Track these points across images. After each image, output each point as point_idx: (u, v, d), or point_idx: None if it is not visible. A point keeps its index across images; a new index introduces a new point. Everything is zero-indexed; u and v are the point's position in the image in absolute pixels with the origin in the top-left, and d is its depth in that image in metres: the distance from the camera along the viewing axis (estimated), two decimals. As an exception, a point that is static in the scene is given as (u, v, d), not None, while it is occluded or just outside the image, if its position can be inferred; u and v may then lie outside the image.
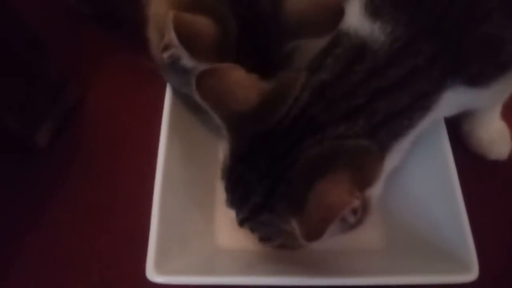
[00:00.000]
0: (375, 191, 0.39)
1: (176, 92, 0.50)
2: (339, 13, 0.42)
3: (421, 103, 0.39)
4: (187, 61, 0.43)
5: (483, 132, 0.56)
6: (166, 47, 0.42)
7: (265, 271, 0.44)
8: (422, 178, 0.48)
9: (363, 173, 0.37)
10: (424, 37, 0.38)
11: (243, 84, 0.40)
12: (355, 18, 0.41)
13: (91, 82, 0.63)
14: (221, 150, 0.56)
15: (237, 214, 0.41)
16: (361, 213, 0.37)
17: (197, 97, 0.40)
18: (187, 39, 0.40)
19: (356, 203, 0.35)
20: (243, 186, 0.40)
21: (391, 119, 0.39)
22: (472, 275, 0.40)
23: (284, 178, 0.38)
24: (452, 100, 0.40)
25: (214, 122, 0.52)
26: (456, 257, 0.41)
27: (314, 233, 0.34)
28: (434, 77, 0.39)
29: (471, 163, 0.54)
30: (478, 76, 0.39)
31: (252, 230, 0.43)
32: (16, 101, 0.53)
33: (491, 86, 0.40)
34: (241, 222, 0.41)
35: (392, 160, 0.40)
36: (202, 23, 0.42)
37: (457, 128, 0.55)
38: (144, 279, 0.40)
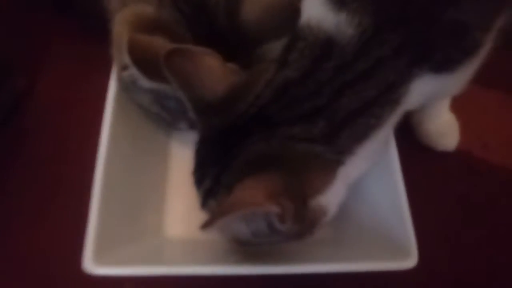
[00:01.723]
0: (329, 200, 0.37)
1: (146, 112, 0.50)
2: (295, 11, 0.40)
3: (388, 97, 0.37)
4: (144, 82, 0.43)
5: (431, 124, 0.57)
6: (124, 68, 0.43)
7: (213, 261, 0.43)
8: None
9: (305, 180, 0.35)
10: (390, 26, 0.36)
11: (214, 72, 0.39)
12: (316, 9, 0.38)
13: (40, 71, 0.61)
14: (172, 143, 0.55)
15: (198, 196, 0.41)
16: (308, 222, 0.36)
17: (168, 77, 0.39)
18: (142, 61, 0.40)
19: (274, 208, 0.33)
20: (201, 168, 0.40)
21: (354, 118, 0.37)
22: (411, 261, 0.40)
23: (228, 168, 0.37)
24: (420, 89, 0.38)
25: (164, 120, 0.51)
26: (397, 244, 0.42)
27: (206, 223, 0.33)
28: (401, 67, 0.37)
29: (417, 153, 0.55)
30: (445, 62, 0.38)
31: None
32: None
33: (458, 71, 0.39)
34: (201, 205, 0.41)
35: (357, 165, 0.38)
36: (158, 44, 0.41)
37: (404, 118, 0.56)
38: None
